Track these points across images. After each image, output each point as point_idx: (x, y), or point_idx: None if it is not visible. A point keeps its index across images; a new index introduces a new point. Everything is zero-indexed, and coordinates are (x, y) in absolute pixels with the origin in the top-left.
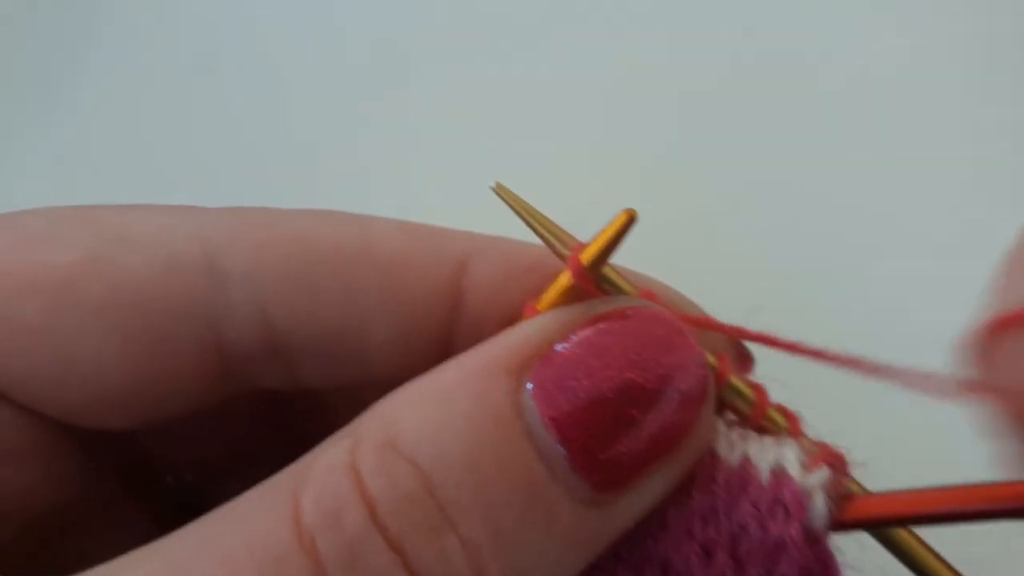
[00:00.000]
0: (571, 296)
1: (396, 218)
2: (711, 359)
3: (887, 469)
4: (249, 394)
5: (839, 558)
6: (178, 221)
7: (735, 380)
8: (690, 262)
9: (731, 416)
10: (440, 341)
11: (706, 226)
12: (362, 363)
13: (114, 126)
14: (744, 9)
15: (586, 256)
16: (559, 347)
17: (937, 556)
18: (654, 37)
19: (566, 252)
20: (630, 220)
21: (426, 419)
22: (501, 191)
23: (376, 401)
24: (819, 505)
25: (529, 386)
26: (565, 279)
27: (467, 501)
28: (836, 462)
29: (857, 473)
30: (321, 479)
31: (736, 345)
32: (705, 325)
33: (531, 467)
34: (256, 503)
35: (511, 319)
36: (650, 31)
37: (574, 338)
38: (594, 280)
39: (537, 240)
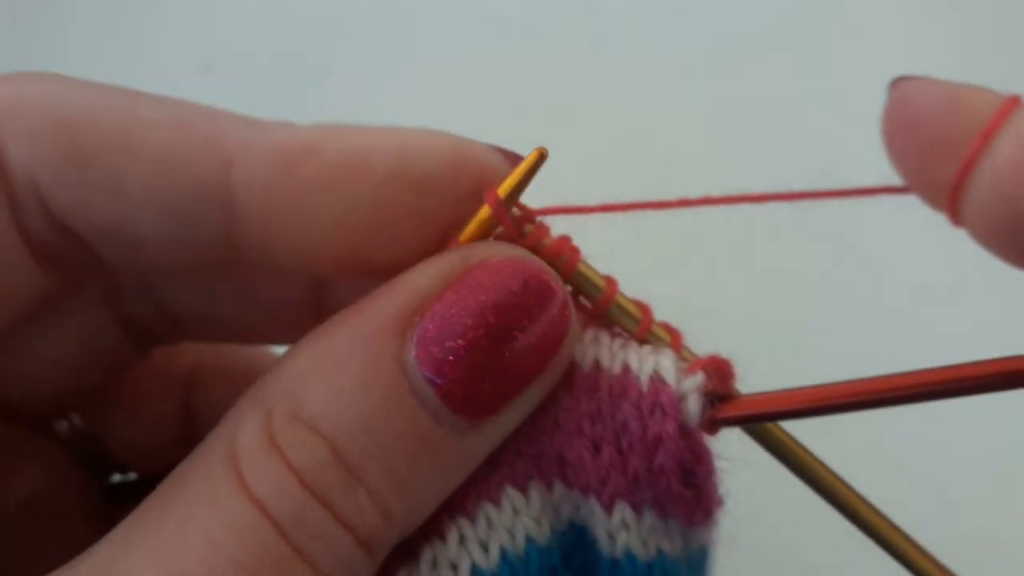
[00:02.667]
0: (488, 227)
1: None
2: (600, 282)
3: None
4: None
5: (712, 450)
6: None
7: (622, 300)
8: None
9: (618, 330)
10: (219, 236)
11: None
12: (146, 255)
13: None
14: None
15: (502, 190)
16: (437, 304)
17: (800, 445)
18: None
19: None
20: (541, 158)
21: (324, 389)
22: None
23: (277, 362)
24: (693, 405)
25: (411, 346)
26: (484, 213)
27: (367, 459)
28: (719, 368)
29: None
30: (252, 456)
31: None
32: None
33: (417, 419)
34: (205, 484)
35: (288, 210)
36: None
37: (449, 294)
38: (507, 212)
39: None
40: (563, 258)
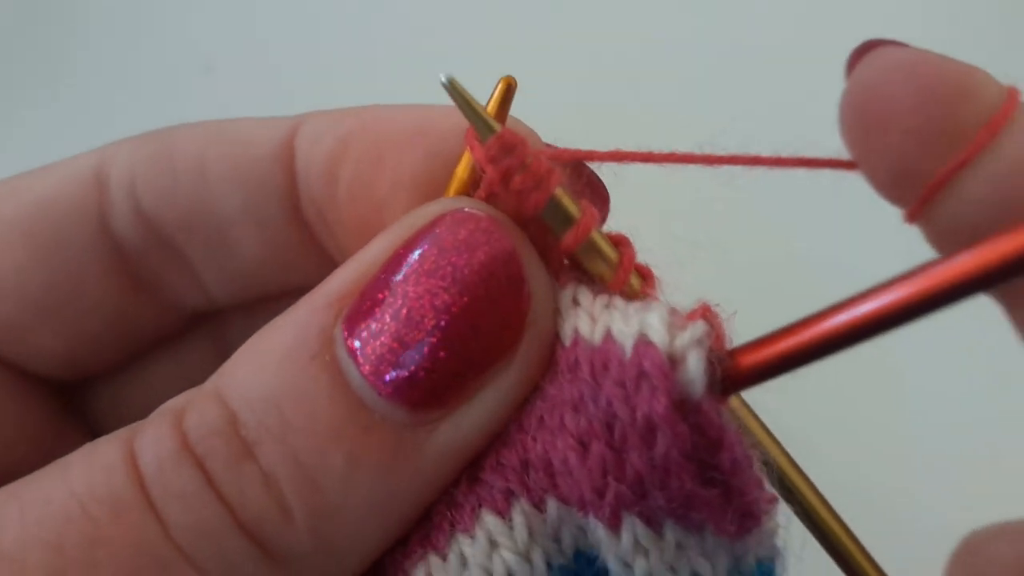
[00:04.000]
0: (474, 172)
1: None
2: (574, 210)
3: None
4: (189, 331)
5: (734, 428)
6: (84, 153)
7: (597, 237)
8: None
9: (595, 284)
10: (285, 207)
11: None
12: (232, 244)
13: (114, 126)
14: None
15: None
16: (376, 273)
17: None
18: None
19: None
20: (508, 88)
21: (246, 362)
22: (453, 87)
23: None
24: (692, 368)
25: (341, 320)
26: (466, 158)
27: (265, 435)
28: (710, 320)
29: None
30: (153, 417)
31: (591, 180)
32: (552, 156)
33: (333, 398)
34: (109, 435)
35: (327, 171)
36: None
37: (388, 260)
38: (477, 143)
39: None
40: (538, 183)
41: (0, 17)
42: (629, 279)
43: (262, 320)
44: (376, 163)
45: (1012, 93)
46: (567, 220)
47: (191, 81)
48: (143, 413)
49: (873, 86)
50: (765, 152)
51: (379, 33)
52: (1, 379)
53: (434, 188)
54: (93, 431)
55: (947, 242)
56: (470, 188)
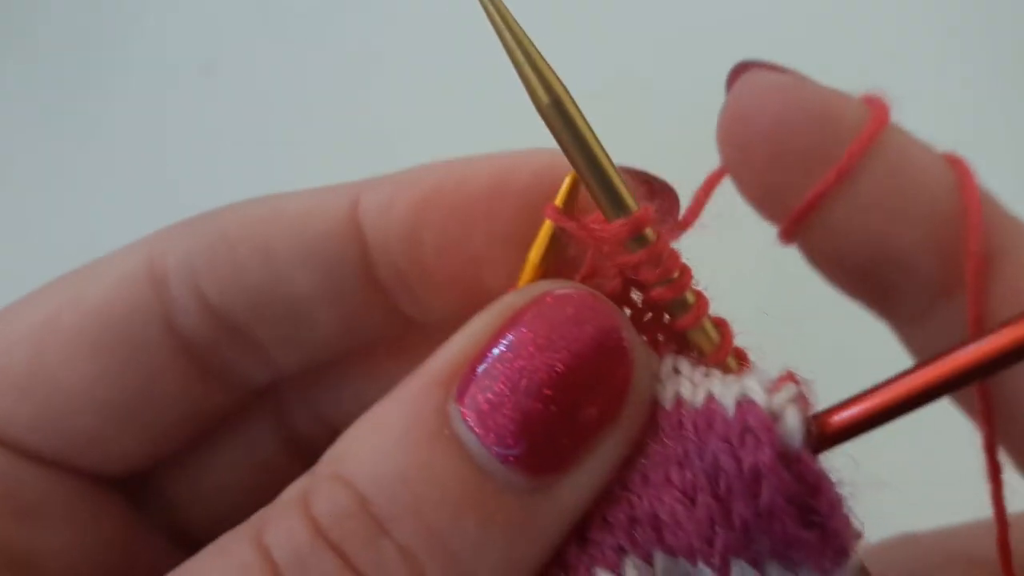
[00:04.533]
0: (558, 244)
1: None
2: (689, 297)
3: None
4: (258, 424)
5: (830, 475)
6: (125, 248)
7: (706, 322)
8: None
9: (694, 356)
10: (357, 277)
11: None
12: (304, 320)
13: (114, 125)
14: None
15: (559, 199)
16: (482, 351)
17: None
18: None
19: (533, 77)
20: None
21: (365, 444)
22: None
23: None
24: (791, 423)
25: (454, 395)
26: (546, 230)
27: (398, 511)
28: (797, 384)
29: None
30: (277, 509)
31: (660, 187)
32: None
33: (458, 469)
34: (226, 536)
35: (408, 235)
36: None
37: (495, 338)
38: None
39: None
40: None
41: (0, 19)
42: (727, 359)
43: (321, 384)
44: (464, 222)
45: (877, 117)
46: (683, 305)
47: (191, 81)
48: (209, 493)
49: (743, 108)
50: None
51: (379, 33)
52: (77, 490)
53: (531, 237)
54: (160, 518)
55: (822, 264)
56: (544, 268)
